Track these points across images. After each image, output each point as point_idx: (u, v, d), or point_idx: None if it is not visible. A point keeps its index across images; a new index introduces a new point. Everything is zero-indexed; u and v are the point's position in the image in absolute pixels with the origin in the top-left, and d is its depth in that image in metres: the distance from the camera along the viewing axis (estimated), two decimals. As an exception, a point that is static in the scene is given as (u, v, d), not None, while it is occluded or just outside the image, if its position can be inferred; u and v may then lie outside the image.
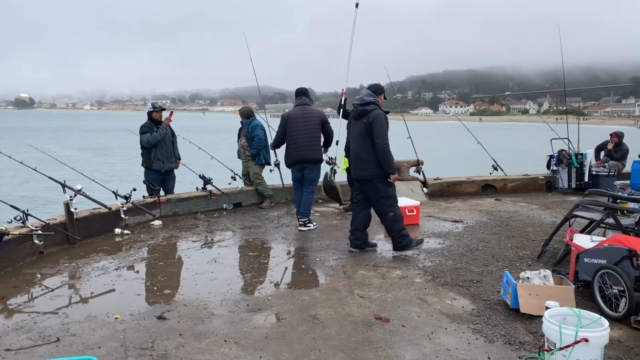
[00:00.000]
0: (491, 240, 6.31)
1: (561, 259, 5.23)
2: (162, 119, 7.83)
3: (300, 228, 6.83)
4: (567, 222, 5.59)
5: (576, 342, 2.81)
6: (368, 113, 5.54)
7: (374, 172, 5.54)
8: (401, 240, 5.68)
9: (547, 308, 3.68)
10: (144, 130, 7.67)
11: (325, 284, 4.77)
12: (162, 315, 3.98)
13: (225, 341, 3.55)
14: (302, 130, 6.79)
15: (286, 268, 5.36)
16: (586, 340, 2.80)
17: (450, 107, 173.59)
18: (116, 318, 3.93)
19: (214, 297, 4.40)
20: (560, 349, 2.87)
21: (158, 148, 7.68)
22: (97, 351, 3.38)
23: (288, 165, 6.97)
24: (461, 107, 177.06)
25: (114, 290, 4.61)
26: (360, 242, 5.83)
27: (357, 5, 7.77)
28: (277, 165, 8.49)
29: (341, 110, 7.89)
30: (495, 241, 6.28)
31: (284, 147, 7.09)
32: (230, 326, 3.80)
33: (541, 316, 3.83)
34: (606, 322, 2.93)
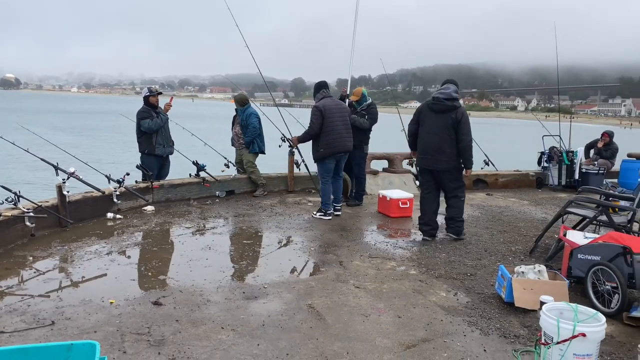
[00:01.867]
0: (483, 235, 6.36)
1: (553, 254, 5.29)
2: (159, 104, 7.77)
3: (337, 213, 7.10)
4: (560, 218, 5.65)
5: (574, 337, 2.84)
6: (456, 109, 5.78)
7: (455, 164, 5.88)
8: (460, 225, 6.06)
9: (541, 303, 3.73)
10: (143, 115, 7.55)
11: (321, 274, 4.77)
12: (157, 300, 3.96)
13: (223, 328, 3.54)
14: (340, 121, 6.88)
15: (281, 257, 5.34)
16: (584, 335, 2.83)
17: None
18: (111, 303, 3.91)
19: (209, 283, 4.38)
20: (557, 343, 2.90)
21: (159, 133, 7.61)
22: (93, 335, 3.36)
23: (327, 155, 6.82)
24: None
25: (107, 274, 4.57)
26: (435, 231, 6.10)
27: None
28: (298, 164, 8.17)
29: None
30: (488, 235, 6.33)
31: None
32: (226, 313, 3.79)
33: (535, 310, 3.91)
34: (603, 318, 2.96)
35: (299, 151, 7.90)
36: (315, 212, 7.03)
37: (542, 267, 4.23)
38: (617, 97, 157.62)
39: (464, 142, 5.76)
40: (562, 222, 5.68)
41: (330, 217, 6.90)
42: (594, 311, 3.07)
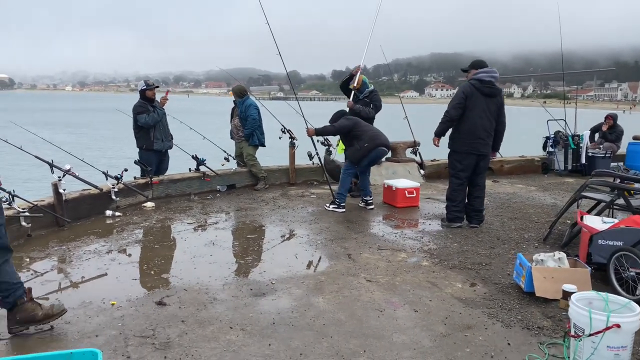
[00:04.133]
0: (494, 222, 6.18)
1: (569, 240, 5.11)
2: (156, 98, 7.56)
3: (371, 207, 6.90)
4: (575, 203, 5.48)
5: (607, 329, 2.67)
6: (501, 92, 5.80)
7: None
8: (483, 214, 6.04)
9: (564, 292, 3.57)
10: (139, 110, 7.32)
11: (330, 268, 4.59)
12: (161, 300, 3.78)
13: (231, 328, 3.36)
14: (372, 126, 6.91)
15: (287, 251, 5.15)
16: (618, 326, 2.66)
17: (437, 90, 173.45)
18: (112, 304, 3.72)
19: (215, 281, 4.20)
20: (590, 335, 2.73)
21: (157, 128, 7.39)
22: (95, 340, 3.17)
23: (372, 148, 6.49)
24: (447, 90, 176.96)
25: (108, 274, 4.39)
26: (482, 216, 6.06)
27: None
28: (311, 156, 7.74)
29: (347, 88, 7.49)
30: (499, 223, 6.16)
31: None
32: (234, 312, 3.61)
33: (556, 300, 3.73)
34: (637, 307, 2.78)
35: (313, 142, 7.50)
36: (328, 205, 6.81)
37: (562, 255, 4.05)
38: (612, 82, 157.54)
39: (503, 124, 5.84)
40: (577, 207, 5.51)
41: (343, 210, 6.69)
42: (626, 300, 2.89)
